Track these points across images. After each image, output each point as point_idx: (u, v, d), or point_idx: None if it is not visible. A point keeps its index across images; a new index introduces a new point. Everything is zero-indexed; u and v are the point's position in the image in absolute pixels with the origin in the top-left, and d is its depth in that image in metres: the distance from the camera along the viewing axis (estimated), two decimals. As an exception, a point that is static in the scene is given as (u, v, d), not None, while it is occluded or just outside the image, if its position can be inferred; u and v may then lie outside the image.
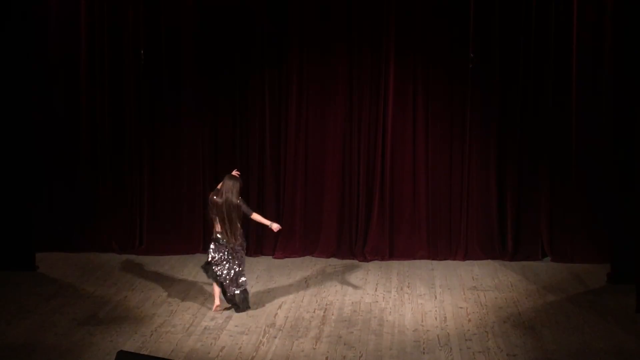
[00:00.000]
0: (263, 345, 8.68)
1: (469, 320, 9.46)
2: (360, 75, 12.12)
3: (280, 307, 9.91)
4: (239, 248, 9.68)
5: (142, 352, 8.24)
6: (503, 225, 12.16)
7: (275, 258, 12.11)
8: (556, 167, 12.05)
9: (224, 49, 12.16)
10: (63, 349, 8.52)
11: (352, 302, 10.09)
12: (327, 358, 8.36)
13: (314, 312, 9.75)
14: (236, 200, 9.55)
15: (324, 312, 9.75)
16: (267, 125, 12.28)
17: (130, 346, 8.52)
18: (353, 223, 12.25)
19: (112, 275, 11.24)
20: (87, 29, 12.18)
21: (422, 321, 9.46)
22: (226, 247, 9.62)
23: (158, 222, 12.44)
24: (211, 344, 8.71)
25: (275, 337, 8.90)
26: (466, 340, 8.84)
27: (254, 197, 12.05)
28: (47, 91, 12.19)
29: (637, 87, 10.16)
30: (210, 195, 9.72)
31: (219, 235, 9.64)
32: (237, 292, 9.65)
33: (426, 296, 10.39)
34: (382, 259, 12.06)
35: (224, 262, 9.63)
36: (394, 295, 10.42)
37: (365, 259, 12.03)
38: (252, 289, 10.21)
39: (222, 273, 9.60)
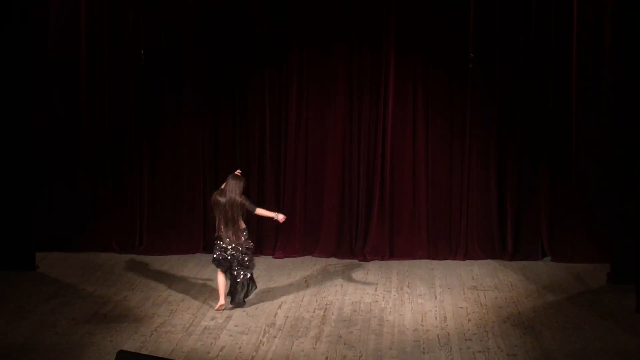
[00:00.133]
0: (263, 345, 8.68)
1: (469, 320, 9.46)
2: (360, 75, 12.12)
3: (280, 306, 9.91)
4: (244, 248, 9.67)
5: (142, 352, 8.24)
6: (503, 225, 12.16)
7: (275, 258, 12.11)
8: (556, 167, 12.05)
9: (224, 49, 12.16)
10: (63, 349, 8.52)
11: (352, 302, 10.10)
12: (327, 358, 8.36)
13: (314, 311, 9.75)
14: (239, 198, 9.57)
15: (324, 311, 9.75)
16: (267, 125, 12.29)
17: (130, 346, 8.52)
18: (353, 223, 12.26)
19: (112, 275, 11.24)
20: (87, 29, 12.18)
21: (422, 321, 9.46)
22: (229, 246, 9.62)
23: (158, 222, 12.44)
24: (211, 343, 8.71)
25: (275, 337, 8.90)
26: (466, 340, 8.84)
27: (254, 197, 12.01)
28: (47, 91, 12.19)
29: (637, 87, 10.16)
30: (214, 195, 9.73)
31: (221, 235, 9.65)
32: (248, 275, 9.72)
33: (426, 296, 10.39)
34: (382, 258, 12.06)
35: (229, 259, 9.63)
36: (394, 295, 10.42)
37: (365, 258, 12.03)
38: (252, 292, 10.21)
39: (230, 264, 9.63)
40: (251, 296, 9.97)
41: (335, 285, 10.80)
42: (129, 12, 12.16)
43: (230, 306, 9.73)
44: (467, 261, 11.98)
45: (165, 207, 12.44)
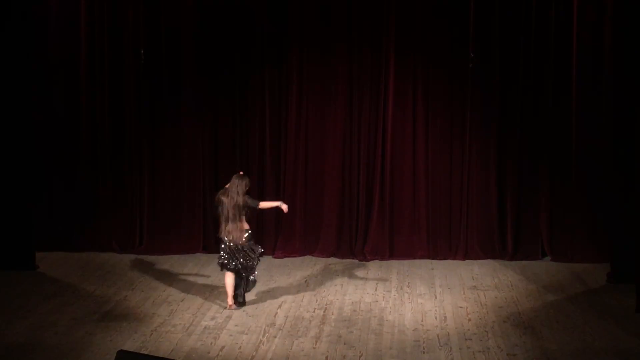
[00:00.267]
0: (263, 344, 8.68)
1: (469, 320, 9.46)
2: (360, 75, 12.13)
3: (280, 306, 9.91)
4: (248, 249, 9.66)
5: (142, 352, 8.24)
6: (503, 225, 12.17)
7: (275, 257, 12.11)
8: (556, 167, 12.05)
9: (224, 49, 12.16)
10: (63, 349, 8.52)
11: (352, 302, 10.09)
12: (327, 357, 8.35)
13: (314, 311, 9.75)
14: (242, 197, 9.58)
15: (324, 311, 9.75)
16: (267, 125, 12.29)
17: (130, 346, 8.51)
18: (353, 223, 12.26)
19: (112, 275, 11.24)
20: (87, 29, 12.19)
21: (422, 321, 9.46)
22: (231, 243, 9.62)
23: (158, 222, 12.44)
24: (211, 343, 8.71)
25: (275, 337, 8.90)
26: (466, 339, 8.84)
27: (253, 197, 11.98)
28: (47, 91, 12.19)
29: (637, 87, 10.16)
30: (218, 195, 9.74)
31: (223, 235, 9.65)
32: (251, 278, 9.74)
33: (426, 296, 10.39)
34: (382, 258, 12.06)
35: (234, 257, 9.64)
36: (394, 295, 10.42)
37: (365, 258, 12.03)
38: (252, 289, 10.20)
39: (236, 264, 9.63)
40: (251, 288, 9.92)
41: (335, 285, 10.80)
42: (129, 12, 12.17)
43: (237, 306, 9.75)
44: (467, 261, 11.98)
45: (165, 207, 12.44)
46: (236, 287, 9.80)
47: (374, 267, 11.69)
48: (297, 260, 12.05)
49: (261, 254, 9.83)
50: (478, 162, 12.16)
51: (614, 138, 10.97)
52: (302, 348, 8.58)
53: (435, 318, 9.54)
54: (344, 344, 8.70)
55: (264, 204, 9.97)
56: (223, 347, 8.60)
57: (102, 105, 12.31)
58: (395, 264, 11.88)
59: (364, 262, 11.93)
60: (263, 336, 8.91)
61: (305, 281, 11.01)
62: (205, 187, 12.33)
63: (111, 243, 12.33)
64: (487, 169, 12.16)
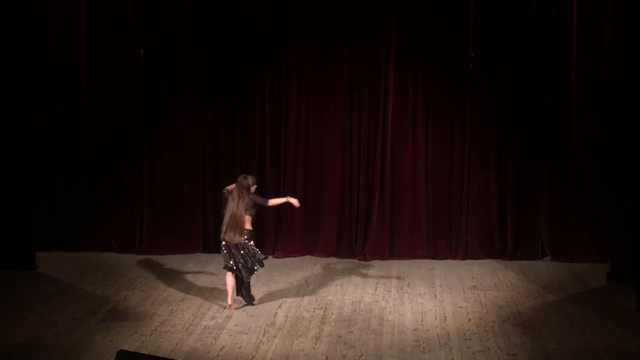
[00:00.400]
0: (263, 344, 8.68)
1: (469, 320, 9.46)
2: (360, 75, 12.13)
3: (280, 306, 9.91)
4: (248, 252, 9.65)
5: (142, 352, 8.23)
6: (503, 225, 12.17)
7: (275, 257, 12.10)
8: (556, 167, 12.06)
9: (224, 49, 12.16)
10: (63, 349, 8.51)
11: (352, 302, 10.09)
12: (327, 357, 8.35)
13: (314, 311, 9.74)
14: (247, 196, 9.58)
15: (324, 311, 9.75)
16: (267, 125, 12.29)
17: (130, 345, 8.51)
18: (353, 223, 12.26)
19: (112, 274, 11.24)
20: (87, 29, 12.19)
21: (422, 320, 9.45)
22: (232, 245, 9.62)
23: (158, 222, 12.44)
24: (211, 343, 8.70)
25: (275, 337, 8.90)
26: (466, 339, 8.84)
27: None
28: (47, 91, 12.20)
29: (637, 87, 10.16)
30: (225, 193, 9.74)
31: (223, 235, 9.65)
32: (251, 278, 9.79)
33: (426, 295, 10.39)
34: (382, 258, 12.07)
35: (236, 257, 9.64)
36: (394, 295, 10.42)
37: (365, 258, 12.03)
38: (252, 289, 10.19)
39: (236, 265, 9.62)
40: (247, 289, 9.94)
41: (335, 285, 10.80)
42: (129, 12, 12.17)
43: (237, 305, 9.74)
44: (467, 261, 11.98)
45: (165, 207, 12.44)
46: (239, 288, 9.79)
47: (374, 267, 11.70)
48: (297, 260, 12.06)
49: (262, 262, 9.79)
50: (478, 162, 12.16)
51: (614, 138, 10.98)
52: (302, 348, 8.58)
53: (435, 318, 9.54)
54: (344, 343, 8.70)
55: (273, 201, 9.97)
56: (223, 347, 8.60)
57: (102, 105, 12.31)
58: (395, 263, 11.88)
59: (364, 262, 11.93)
60: (263, 336, 8.91)
61: (305, 281, 11.01)
62: (205, 187, 12.33)
63: (111, 243, 12.34)
64: (487, 169, 12.16)
